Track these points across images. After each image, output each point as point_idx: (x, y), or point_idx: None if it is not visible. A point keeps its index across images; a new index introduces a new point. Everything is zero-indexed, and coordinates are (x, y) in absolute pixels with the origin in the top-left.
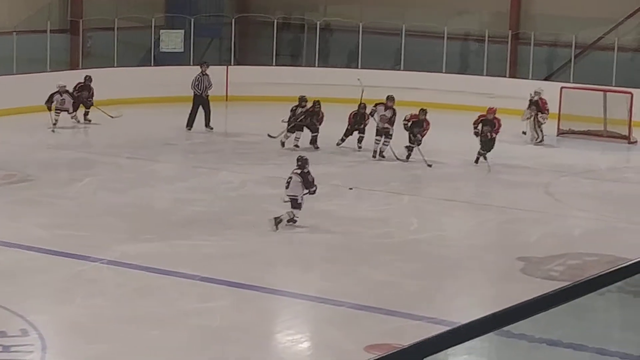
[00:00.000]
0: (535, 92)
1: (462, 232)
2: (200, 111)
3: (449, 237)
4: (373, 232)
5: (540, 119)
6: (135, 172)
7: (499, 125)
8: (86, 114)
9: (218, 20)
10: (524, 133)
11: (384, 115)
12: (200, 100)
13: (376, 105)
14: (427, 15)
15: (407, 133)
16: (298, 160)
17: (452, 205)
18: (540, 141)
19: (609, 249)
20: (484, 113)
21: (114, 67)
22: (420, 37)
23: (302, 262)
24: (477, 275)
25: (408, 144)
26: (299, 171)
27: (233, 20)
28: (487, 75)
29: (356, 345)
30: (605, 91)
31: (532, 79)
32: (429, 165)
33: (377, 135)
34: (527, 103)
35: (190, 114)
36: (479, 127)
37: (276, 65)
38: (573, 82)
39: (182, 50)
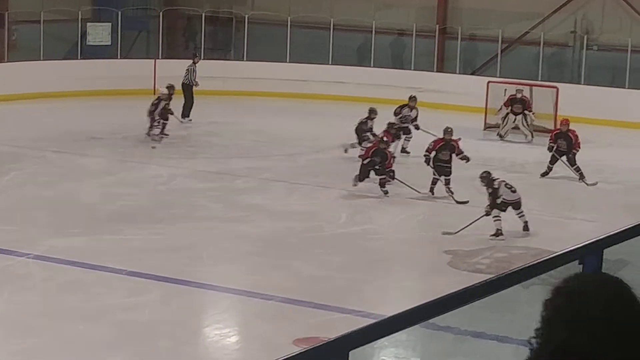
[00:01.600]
0: (517, 90)
1: (391, 226)
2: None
3: (378, 230)
4: (302, 226)
5: (529, 118)
6: (62, 166)
7: (577, 141)
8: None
9: (146, 13)
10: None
11: (409, 115)
12: (187, 90)
13: (401, 107)
14: (356, 9)
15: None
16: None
17: (380, 199)
18: (530, 140)
19: (535, 242)
20: (558, 128)
21: (40, 60)
22: (348, 31)
23: (231, 256)
24: (405, 269)
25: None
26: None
27: (161, 13)
28: (415, 69)
29: (285, 338)
30: (531, 85)
31: (459, 74)
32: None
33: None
34: (504, 100)
35: (185, 104)
36: (555, 141)
37: (204, 59)
38: (500, 77)
39: (109, 43)
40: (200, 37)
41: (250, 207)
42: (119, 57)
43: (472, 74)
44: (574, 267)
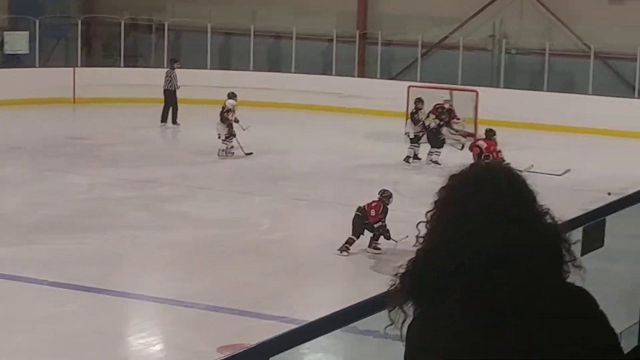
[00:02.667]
0: (445, 100)
1: (314, 231)
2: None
3: (301, 236)
4: (225, 233)
5: (460, 125)
6: None
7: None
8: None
9: (64, 21)
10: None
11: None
12: (170, 96)
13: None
14: (276, 15)
15: None
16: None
17: (303, 204)
18: (462, 148)
19: None
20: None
21: None
22: (269, 37)
23: (155, 264)
24: (329, 274)
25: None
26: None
27: (79, 21)
28: (336, 74)
29: (209, 346)
30: (451, 89)
31: (380, 78)
32: None
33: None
34: (432, 108)
35: (164, 110)
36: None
37: (124, 66)
38: (420, 81)
39: (27, 51)
40: (120, 45)
41: (174, 215)
42: (37, 65)
43: (393, 78)
44: None
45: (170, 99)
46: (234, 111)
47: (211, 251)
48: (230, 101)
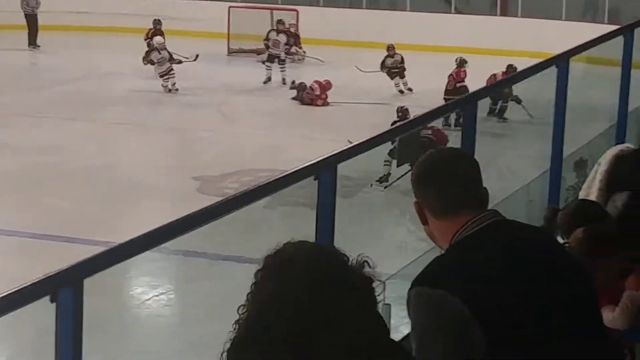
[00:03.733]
0: (290, 25)
1: (138, 155)
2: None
3: (125, 161)
4: (49, 160)
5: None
6: None
7: None
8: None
9: None
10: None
11: (277, 40)
12: (31, 19)
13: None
14: None
15: None
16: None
17: (126, 128)
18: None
19: (281, 164)
20: None
21: None
22: None
23: None
24: (154, 197)
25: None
26: None
27: None
28: None
29: (36, 273)
30: (272, 9)
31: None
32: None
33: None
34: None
35: (29, 33)
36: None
37: None
38: (240, 2)
39: None
40: None
41: None
42: None
43: None
44: (312, 183)
45: (30, 21)
46: (159, 50)
47: (34, 179)
48: (157, 39)
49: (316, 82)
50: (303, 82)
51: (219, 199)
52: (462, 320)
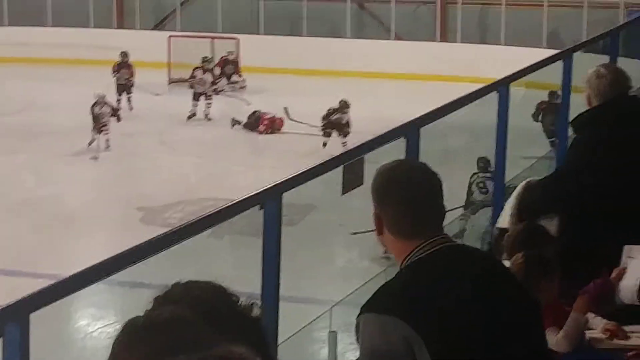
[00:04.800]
0: (228, 52)
1: (79, 186)
2: None
3: (67, 192)
4: None
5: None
6: None
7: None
8: (129, 99)
9: None
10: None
11: (202, 79)
12: None
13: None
14: None
15: None
16: None
17: (67, 160)
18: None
19: (225, 192)
20: None
21: None
22: None
23: None
24: (97, 229)
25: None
26: None
27: None
28: (95, 27)
29: None
30: (212, 38)
31: (140, 29)
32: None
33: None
34: (217, 61)
35: None
36: None
37: None
38: (180, 31)
39: None
40: None
41: None
42: None
43: (154, 28)
44: (256, 213)
45: None
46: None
47: None
48: (99, 92)
49: (268, 119)
50: (258, 111)
51: (164, 229)
52: (410, 346)
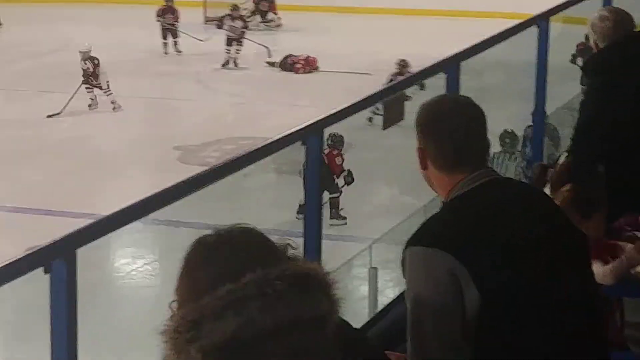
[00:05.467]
0: None
1: (117, 127)
2: None
3: (103, 132)
4: (22, 135)
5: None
6: None
7: None
8: (175, 43)
9: None
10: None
11: (233, 26)
12: None
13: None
14: None
15: None
16: None
17: (103, 99)
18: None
19: (262, 131)
20: None
21: None
22: None
23: None
24: (135, 168)
25: None
26: None
27: None
28: None
29: (16, 247)
30: None
31: None
32: None
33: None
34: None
35: None
36: None
37: None
38: None
39: None
40: None
41: None
42: None
43: None
44: (298, 148)
45: None
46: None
47: (10, 152)
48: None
49: (303, 58)
50: (291, 55)
51: (201, 168)
52: (456, 278)
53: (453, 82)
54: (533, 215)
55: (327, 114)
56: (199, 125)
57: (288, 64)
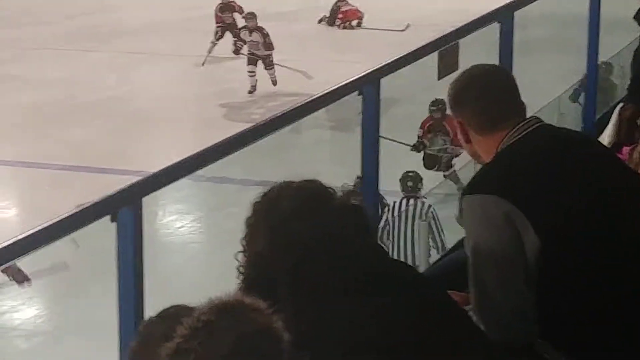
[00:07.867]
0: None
1: (160, 84)
2: None
3: (147, 90)
4: (66, 93)
5: None
6: None
7: None
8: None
9: None
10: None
11: (253, 41)
12: None
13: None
14: None
15: None
16: None
17: (145, 58)
18: None
19: (308, 87)
20: None
21: None
22: None
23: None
24: (180, 126)
25: None
26: None
27: None
28: None
29: (67, 205)
30: None
31: None
32: None
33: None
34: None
35: None
36: None
37: None
38: None
39: None
40: None
41: (6, 78)
42: None
43: None
44: (354, 99)
45: None
46: None
47: (54, 112)
48: None
49: (343, 12)
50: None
51: (246, 125)
52: (512, 221)
53: (507, 33)
54: (587, 159)
55: (382, 63)
56: (242, 82)
57: (331, 17)
